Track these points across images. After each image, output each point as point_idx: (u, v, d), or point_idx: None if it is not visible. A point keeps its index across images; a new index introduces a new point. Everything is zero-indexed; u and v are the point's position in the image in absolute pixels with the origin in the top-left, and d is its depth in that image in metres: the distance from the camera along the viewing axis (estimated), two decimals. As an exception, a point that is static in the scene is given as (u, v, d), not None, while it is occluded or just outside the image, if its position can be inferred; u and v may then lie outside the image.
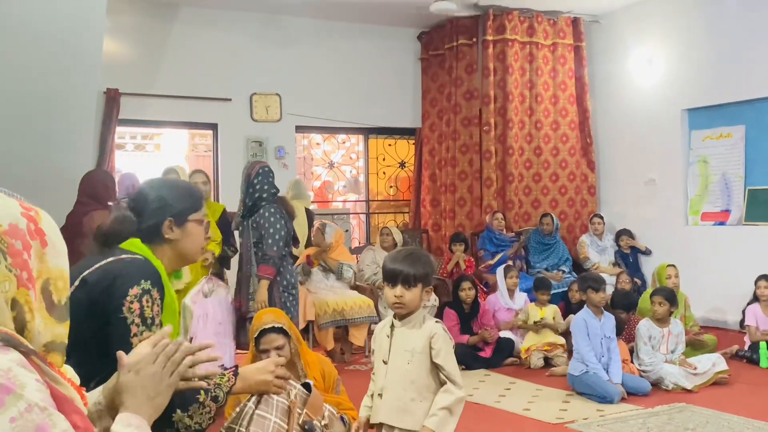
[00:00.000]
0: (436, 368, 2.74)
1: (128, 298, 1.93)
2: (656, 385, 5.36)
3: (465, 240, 7.68)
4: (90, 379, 1.57)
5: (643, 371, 5.44)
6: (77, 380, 1.25)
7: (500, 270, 6.95)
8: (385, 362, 2.80)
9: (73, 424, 1.05)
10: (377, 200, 9.44)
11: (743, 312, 6.45)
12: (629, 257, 8.03)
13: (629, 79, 8.38)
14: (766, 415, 4.55)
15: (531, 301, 6.75)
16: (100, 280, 1.96)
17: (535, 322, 6.35)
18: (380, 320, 6.79)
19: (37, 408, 1.01)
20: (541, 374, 5.93)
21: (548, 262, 7.92)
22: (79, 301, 1.78)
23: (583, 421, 4.61)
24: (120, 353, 1.40)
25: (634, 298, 6.64)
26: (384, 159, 9.31)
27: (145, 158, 11.05)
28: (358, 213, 9.46)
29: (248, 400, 2.68)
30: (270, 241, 4.89)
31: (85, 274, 1.98)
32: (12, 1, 5.30)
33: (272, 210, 4.97)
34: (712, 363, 5.45)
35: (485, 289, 7.32)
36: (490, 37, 8.30)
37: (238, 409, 2.70)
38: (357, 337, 6.75)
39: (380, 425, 2.78)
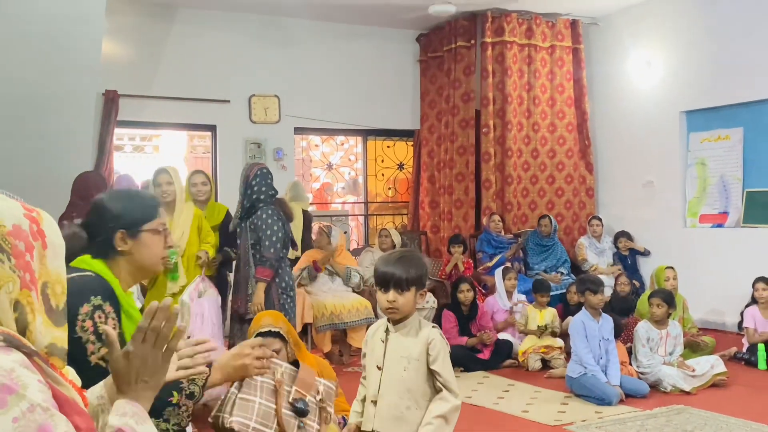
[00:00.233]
0: (431, 375, 2.67)
1: (80, 317, 1.88)
2: (654, 387, 5.36)
3: (463, 242, 7.68)
4: None
5: (642, 373, 5.45)
6: (78, 382, 1.24)
7: (498, 272, 6.96)
8: (379, 368, 2.71)
9: (75, 425, 1.05)
10: (376, 202, 9.44)
11: (741, 314, 6.46)
12: (627, 259, 8.04)
13: (627, 81, 8.39)
14: (764, 417, 4.55)
15: (529, 302, 6.75)
16: None
17: (539, 327, 6.34)
18: (379, 322, 6.83)
19: (39, 408, 1.01)
20: (540, 376, 5.93)
21: (546, 264, 7.92)
22: None
23: (582, 423, 4.61)
24: (106, 328, 1.37)
25: (631, 302, 6.65)
26: (382, 161, 9.31)
27: (144, 160, 11.05)
28: (357, 215, 9.46)
29: (232, 386, 2.61)
30: (267, 243, 4.89)
31: None
32: (11, 2, 5.30)
33: (270, 212, 4.97)
34: (711, 365, 5.46)
35: (483, 291, 7.32)
36: (488, 39, 8.31)
37: (222, 397, 2.65)
38: (355, 339, 6.74)
39: None
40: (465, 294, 6.36)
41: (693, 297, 6.75)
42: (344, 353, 6.58)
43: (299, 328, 6.15)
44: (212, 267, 5.22)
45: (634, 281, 7.41)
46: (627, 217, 8.39)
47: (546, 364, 6.16)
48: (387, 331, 2.76)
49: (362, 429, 2.75)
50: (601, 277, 6.52)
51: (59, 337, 1.16)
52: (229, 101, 8.03)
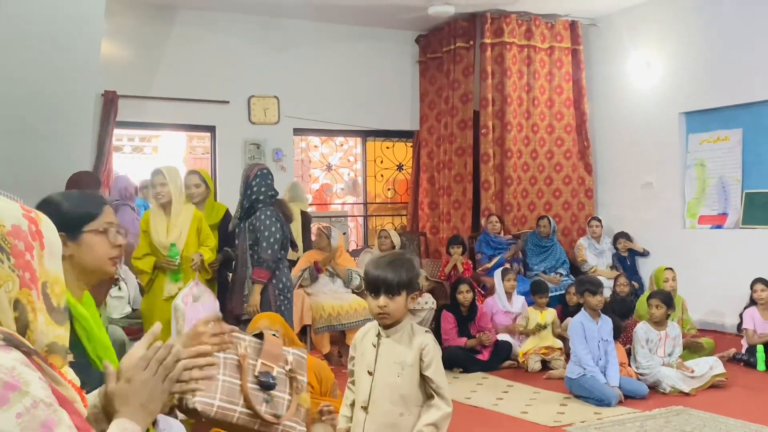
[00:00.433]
0: (424, 381, 2.63)
1: None
2: (653, 388, 5.36)
3: (463, 243, 7.68)
4: None
5: (641, 374, 5.45)
6: (77, 382, 1.25)
7: (498, 273, 6.96)
8: (370, 373, 2.66)
9: (73, 424, 1.05)
10: (375, 203, 9.44)
11: (740, 315, 6.46)
12: (627, 260, 8.04)
13: (627, 82, 8.39)
14: (763, 418, 4.55)
15: (529, 304, 6.75)
16: None
17: (537, 324, 6.35)
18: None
19: (42, 404, 1.02)
20: (539, 377, 5.93)
21: (545, 265, 7.92)
22: None
23: (581, 424, 4.62)
24: (107, 364, 1.38)
25: (630, 304, 6.65)
26: (382, 162, 9.31)
27: (143, 160, 11.06)
28: (356, 215, 9.46)
29: None
30: (265, 244, 4.87)
31: None
32: (11, 3, 5.30)
33: (269, 213, 4.95)
34: (710, 366, 5.46)
35: (483, 292, 7.32)
36: (488, 41, 8.31)
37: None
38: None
39: None
40: (464, 295, 6.37)
41: (692, 298, 6.76)
42: (343, 354, 6.58)
43: (298, 330, 6.15)
44: (210, 270, 5.14)
45: (633, 282, 7.41)
46: (626, 218, 8.39)
47: (546, 366, 6.16)
48: (378, 335, 2.70)
49: None
50: (600, 278, 6.53)
51: (61, 335, 1.17)
52: (228, 102, 8.03)
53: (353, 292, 6.77)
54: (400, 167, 9.41)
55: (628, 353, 5.70)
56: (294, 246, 5.58)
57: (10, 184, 4.56)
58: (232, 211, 5.70)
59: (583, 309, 5.43)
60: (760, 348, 6.04)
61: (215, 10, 7.91)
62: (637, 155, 8.30)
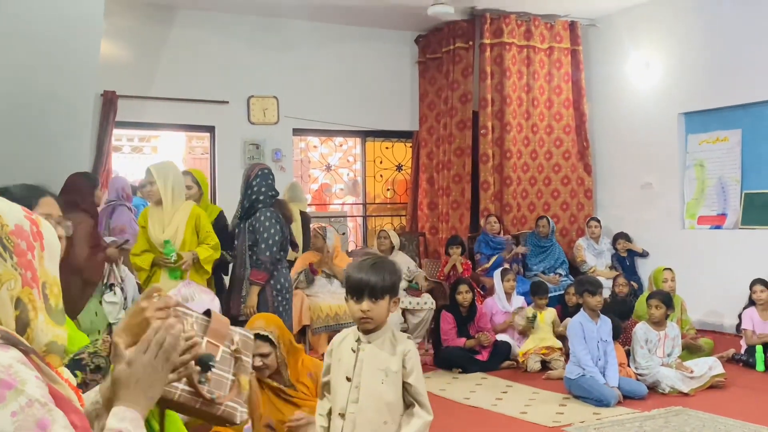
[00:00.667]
0: (404, 388, 2.56)
1: None
2: (653, 388, 5.36)
3: (462, 243, 7.68)
4: None
5: (640, 375, 5.45)
6: (74, 381, 1.26)
7: (497, 273, 6.96)
8: (349, 379, 2.57)
9: (71, 423, 1.06)
10: (374, 203, 9.44)
11: (739, 315, 6.46)
12: (626, 260, 8.04)
13: (626, 82, 8.39)
14: (762, 419, 4.55)
15: (528, 304, 6.75)
16: None
17: (527, 317, 6.35)
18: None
19: (37, 403, 1.02)
20: (538, 377, 5.93)
21: (545, 265, 7.92)
22: None
23: (580, 424, 4.62)
24: (116, 341, 1.39)
25: (630, 305, 6.65)
26: (381, 162, 9.31)
27: (142, 160, 11.06)
28: (355, 216, 9.46)
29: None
30: (263, 246, 4.86)
31: None
32: (10, 3, 5.29)
33: (268, 214, 4.93)
34: (709, 366, 5.46)
35: (482, 293, 7.32)
36: (487, 41, 8.32)
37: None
38: (353, 340, 6.75)
39: None
40: (463, 295, 6.36)
41: (691, 298, 6.76)
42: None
43: (297, 330, 6.15)
44: (209, 270, 5.03)
45: (632, 282, 7.42)
46: (625, 218, 8.40)
47: (546, 366, 6.16)
48: (358, 341, 2.62)
49: None
50: (599, 278, 6.53)
51: (60, 335, 1.18)
52: (227, 102, 8.03)
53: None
54: (399, 167, 9.41)
55: (628, 354, 5.70)
56: (294, 246, 5.57)
57: (8, 183, 4.56)
58: (227, 213, 5.70)
59: (582, 309, 5.43)
60: (759, 348, 6.05)
61: (215, 11, 7.91)
62: (636, 156, 8.30)
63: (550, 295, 6.84)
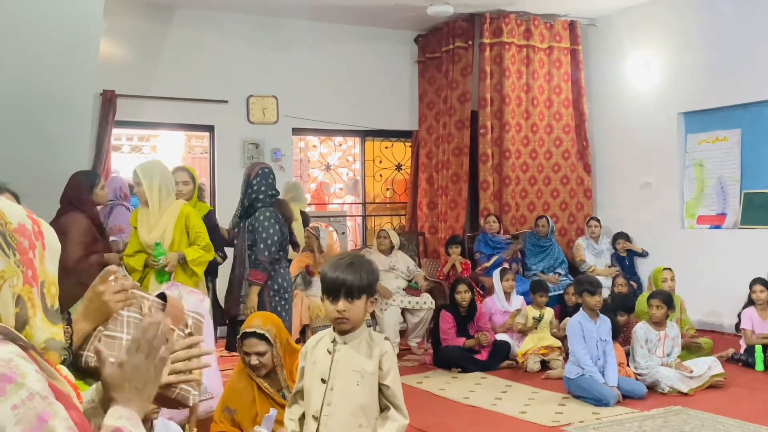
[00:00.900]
0: (380, 391, 2.49)
1: None
2: (652, 388, 5.36)
3: (461, 242, 7.68)
4: None
5: (639, 375, 5.44)
6: (72, 378, 1.26)
7: (496, 273, 6.96)
8: (324, 381, 2.50)
9: (70, 419, 1.06)
10: (374, 203, 9.44)
11: (739, 315, 6.46)
12: (625, 260, 8.04)
13: (626, 82, 8.39)
14: (761, 419, 4.55)
15: (528, 303, 6.75)
16: None
17: (534, 318, 6.36)
18: (375, 323, 6.83)
19: (38, 397, 1.03)
20: (538, 377, 5.93)
21: (544, 264, 7.93)
22: None
23: (579, 424, 4.61)
24: (98, 346, 1.38)
25: (633, 301, 6.63)
26: (381, 161, 9.31)
27: (142, 160, 11.05)
28: (355, 215, 9.46)
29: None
30: (262, 246, 4.83)
31: None
32: (9, 2, 5.29)
33: (267, 214, 4.90)
34: (708, 366, 5.45)
35: (481, 292, 7.32)
36: (486, 40, 8.32)
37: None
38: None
39: None
40: (462, 295, 6.36)
41: (690, 298, 6.76)
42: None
43: (298, 329, 6.14)
44: (199, 272, 4.78)
45: (631, 282, 7.42)
46: (625, 218, 8.40)
47: (545, 366, 6.16)
48: (334, 342, 2.54)
49: None
50: (599, 278, 6.53)
51: (57, 333, 1.19)
52: (227, 102, 8.03)
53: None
54: (398, 167, 9.41)
55: (627, 354, 5.70)
56: (296, 246, 5.55)
57: (7, 183, 4.55)
58: (227, 212, 5.68)
59: (581, 309, 5.42)
60: (758, 348, 6.04)
61: (214, 10, 7.91)
62: (635, 155, 8.31)
63: (549, 294, 6.83)
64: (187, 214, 4.71)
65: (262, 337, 3.41)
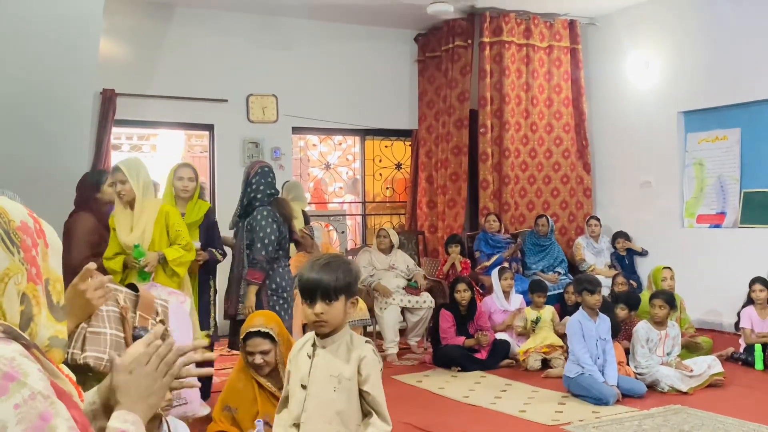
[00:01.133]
0: (361, 397, 2.39)
1: None
2: (651, 387, 5.36)
3: (461, 242, 7.68)
4: None
5: (639, 374, 5.44)
6: (74, 377, 1.27)
7: (495, 272, 6.96)
8: (304, 387, 2.42)
9: (72, 418, 1.07)
10: (374, 202, 9.44)
11: (738, 314, 6.46)
12: (625, 259, 8.04)
13: (626, 81, 8.40)
14: (761, 418, 4.56)
15: (527, 303, 6.75)
16: None
17: (532, 321, 6.36)
18: (375, 322, 6.83)
19: (40, 396, 1.03)
20: (537, 376, 5.93)
21: (543, 264, 7.93)
22: None
23: (579, 422, 4.61)
24: (112, 354, 1.41)
25: (638, 298, 6.62)
26: (380, 160, 9.31)
27: (142, 158, 11.03)
28: (354, 214, 9.46)
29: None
30: (259, 245, 4.81)
31: None
32: (9, 1, 5.29)
33: (265, 213, 4.88)
34: (708, 365, 5.46)
35: (481, 291, 7.32)
36: (486, 39, 8.32)
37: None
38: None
39: None
40: (462, 294, 6.36)
41: (690, 297, 6.76)
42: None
43: (300, 329, 6.14)
44: (180, 272, 4.62)
45: (631, 281, 7.42)
46: (624, 217, 8.40)
47: (546, 365, 6.16)
48: (315, 345, 2.46)
49: None
50: (599, 277, 6.53)
51: (61, 330, 1.20)
52: (226, 101, 8.03)
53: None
54: (398, 166, 9.41)
55: (627, 353, 5.70)
56: (298, 244, 5.54)
57: (7, 182, 4.55)
58: (227, 211, 5.66)
59: (581, 308, 5.42)
60: (757, 347, 6.05)
61: (214, 9, 7.91)
62: (635, 154, 8.31)
63: (549, 293, 6.83)
64: (167, 213, 4.57)
65: (266, 335, 3.41)
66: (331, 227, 8.53)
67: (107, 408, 1.39)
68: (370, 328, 7.00)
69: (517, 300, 6.87)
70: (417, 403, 5.21)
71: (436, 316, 6.59)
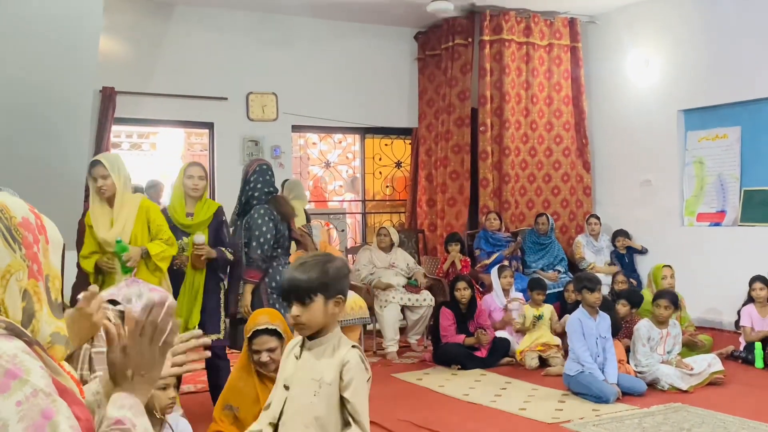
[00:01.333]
0: (343, 403, 2.28)
1: None
2: (651, 385, 5.36)
3: (461, 240, 7.68)
4: None
5: (640, 372, 5.44)
6: (76, 374, 1.26)
7: (494, 270, 6.97)
8: (286, 387, 2.34)
9: (74, 415, 1.07)
10: (374, 200, 9.44)
11: (738, 312, 6.47)
12: (625, 257, 8.04)
13: (625, 79, 8.39)
14: (760, 416, 4.56)
15: (526, 301, 6.75)
16: None
17: (535, 316, 6.36)
18: (375, 321, 6.83)
19: (42, 393, 1.03)
20: (537, 374, 5.93)
21: (543, 262, 7.93)
22: None
23: (579, 420, 4.62)
24: (107, 325, 1.36)
25: (640, 295, 6.62)
26: (380, 159, 9.31)
27: (141, 157, 11.05)
28: (354, 213, 9.46)
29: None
30: (254, 244, 4.79)
31: None
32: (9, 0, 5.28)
33: (261, 211, 4.85)
34: (708, 363, 5.46)
35: (481, 289, 7.33)
36: (486, 38, 8.31)
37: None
38: (351, 338, 6.66)
39: None
40: (462, 292, 6.36)
41: (690, 295, 6.76)
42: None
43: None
44: (163, 268, 4.51)
45: (631, 279, 7.42)
46: (624, 215, 8.40)
47: (544, 362, 6.16)
48: (302, 346, 2.37)
49: None
50: (599, 275, 6.53)
51: (61, 327, 1.20)
52: (226, 99, 8.02)
53: (352, 289, 6.77)
54: (398, 164, 9.41)
55: (627, 351, 5.70)
56: (298, 243, 5.53)
57: (7, 180, 4.55)
58: (226, 210, 5.64)
59: (581, 306, 5.42)
60: (757, 345, 6.05)
61: (214, 7, 7.90)
62: (635, 153, 8.30)
63: (549, 292, 6.83)
64: (147, 208, 4.49)
65: (273, 332, 3.40)
66: (331, 225, 8.53)
67: (110, 396, 1.38)
68: (370, 327, 7.00)
69: (516, 298, 6.87)
70: (417, 401, 5.21)
71: (436, 314, 6.60)
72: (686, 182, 7.87)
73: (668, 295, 5.72)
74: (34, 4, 5.31)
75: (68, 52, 5.72)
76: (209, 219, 4.85)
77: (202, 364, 4.38)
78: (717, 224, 7.54)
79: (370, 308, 6.73)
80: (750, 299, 6.39)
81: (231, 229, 5.18)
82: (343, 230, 8.65)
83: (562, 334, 6.16)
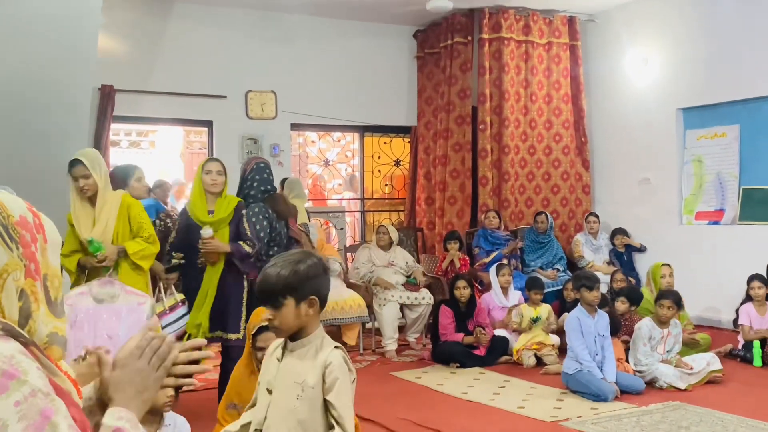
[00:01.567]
0: (326, 406, 2.22)
1: None
2: (650, 384, 5.37)
3: (460, 238, 7.68)
4: None
5: (639, 371, 5.44)
6: (73, 374, 1.26)
7: (493, 269, 6.96)
8: (269, 391, 2.28)
9: (71, 416, 1.06)
10: (372, 198, 9.44)
11: (737, 311, 6.47)
12: (624, 256, 8.04)
13: (624, 78, 8.39)
14: (759, 414, 4.56)
15: (525, 299, 6.75)
16: None
17: (531, 319, 6.36)
18: (374, 319, 6.83)
19: (41, 393, 1.03)
20: (536, 373, 5.93)
21: (543, 260, 7.93)
22: None
23: (578, 419, 4.62)
24: (100, 352, 1.39)
25: (640, 293, 6.61)
26: (379, 157, 9.30)
27: (140, 155, 11.05)
28: (353, 211, 9.46)
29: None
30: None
31: None
32: (7, -3, 5.28)
33: (257, 210, 4.83)
34: (706, 362, 5.46)
35: (480, 288, 7.32)
36: (486, 36, 8.31)
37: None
38: (349, 336, 6.75)
39: None
40: (461, 291, 6.36)
41: (689, 294, 6.75)
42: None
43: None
44: (145, 266, 4.40)
45: (630, 278, 7.42)
46: (623, 214, 8.40)
47: (540, 361, 6.17)
48: (284, 348, 2.31)
49: None
50: (597, 273, 6.53)
51: (60, 327, 1.19)
52: (225, 97, 8.02)
53: (350, 288, 6.78)
54: (397, 163, 9.41)
55: (626, 349, 5.70)
56: (299, 243, 5.51)
57: (6, 178, 4.55)
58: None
59: (579, 304, 5.42)
60: (756, 344, 6.05)
61: (213, 5, 7.90)
62: (634, 151, 8.31)
63: (548, 290, 6.83)
64: (129, 204, 4.37)
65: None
66: (330, 224, 8.53)
67: (103, 404, 1.38)
68: (368, 325, 7.00)
69: (515, 296, 6.87)
70: (416, 399, 5.22)
71: (435, 312, 6.60)
72: (685, 181, 7.87)
73: (671, 295, 5.70)
74: (33, 3, 5.30)
75: (67, 50, 5.73)
76: (230, 215, 4.67)
77: (204, 374, 4.38)
78: (716, 223, 7.55)
79: (369, 306, 6.73)
80: (748, 298, 6.39)
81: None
82: (342, 228, 8.65)
83: (561, 333, 6.16)
